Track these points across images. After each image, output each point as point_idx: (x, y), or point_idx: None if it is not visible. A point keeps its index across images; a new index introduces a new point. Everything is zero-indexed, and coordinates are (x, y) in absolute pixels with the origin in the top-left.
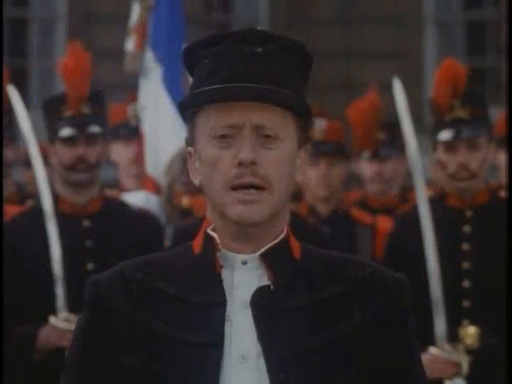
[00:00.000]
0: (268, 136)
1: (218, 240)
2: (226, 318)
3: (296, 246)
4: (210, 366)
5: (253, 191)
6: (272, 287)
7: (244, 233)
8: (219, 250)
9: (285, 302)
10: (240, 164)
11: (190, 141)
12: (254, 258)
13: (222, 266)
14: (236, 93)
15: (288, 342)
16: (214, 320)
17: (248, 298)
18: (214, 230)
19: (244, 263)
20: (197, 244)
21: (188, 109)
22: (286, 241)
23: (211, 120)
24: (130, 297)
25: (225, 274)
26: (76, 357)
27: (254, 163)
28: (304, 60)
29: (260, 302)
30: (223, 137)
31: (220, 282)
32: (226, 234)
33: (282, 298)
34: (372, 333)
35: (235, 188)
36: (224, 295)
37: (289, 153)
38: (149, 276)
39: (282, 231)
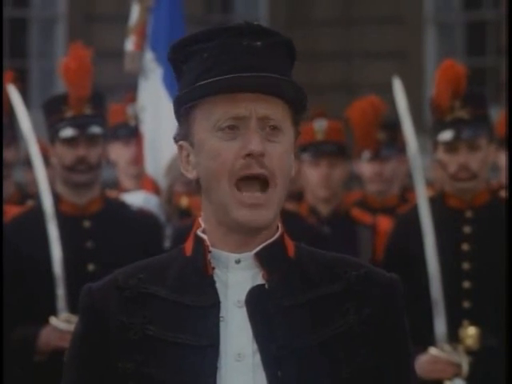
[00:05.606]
0: (274, 127)
1: (207, 242)
2: (221, 318)
3: (290, 245)
4: (207, 367)
5: (258, 194)
6: (267, 286)
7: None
8: (210, 251)
9: (280, 300)
10: (248, 155)
11: (184, 135)
12: (247, 256)
13: (213, 268)
14: (245, 82)
15: (284, 340)
16: (209, 322)
17: (242, 298)
18: (203, 231)
19: (237, 262)
20: (188, 246)
21: (190, 101)
22: (280, 239)
23: (216, 112)
24: (124, 304)
25: (218, 275)
26: (73, 364)
27: (262, 155)
28: (292, 57)
29: (255, 301)
30: (229, 128)
31: (212, 283)
32: (218, 231)
33: (277, 296)
34: (367, 331)
35: (242, 179)
36: (217, 296)
37: (289, 146)
38: (141, 281)
39: (277, 229)
